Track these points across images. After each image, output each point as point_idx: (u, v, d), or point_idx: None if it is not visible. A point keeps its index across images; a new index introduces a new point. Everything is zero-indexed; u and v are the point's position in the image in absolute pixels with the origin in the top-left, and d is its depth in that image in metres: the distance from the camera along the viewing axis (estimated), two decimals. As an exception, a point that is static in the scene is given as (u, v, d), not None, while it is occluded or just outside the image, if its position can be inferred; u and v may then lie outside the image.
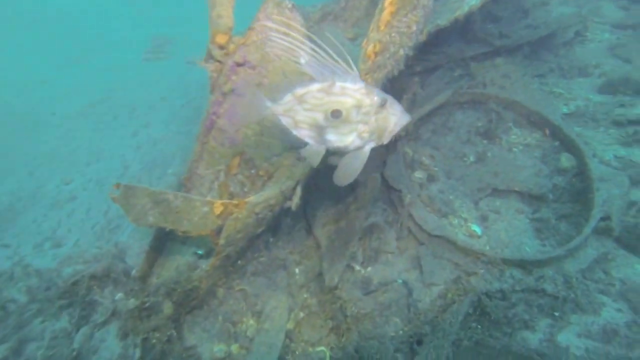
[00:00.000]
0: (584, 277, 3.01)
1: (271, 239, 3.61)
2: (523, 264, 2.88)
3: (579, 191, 3.39)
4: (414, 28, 2.51)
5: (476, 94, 4.02)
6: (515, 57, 4.56)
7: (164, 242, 3.24)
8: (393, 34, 2.50)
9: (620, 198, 3.13)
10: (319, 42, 1.81)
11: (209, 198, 2.66)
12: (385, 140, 2.00)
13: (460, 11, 3.11)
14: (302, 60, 1.86)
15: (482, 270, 2.85)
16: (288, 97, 1.90)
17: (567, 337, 2.86)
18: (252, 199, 2.69)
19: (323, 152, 2.00)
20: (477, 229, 3.20)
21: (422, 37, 2.96)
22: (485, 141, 3.82)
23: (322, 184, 3.62)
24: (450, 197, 3.38)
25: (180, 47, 10.94)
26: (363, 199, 3.21)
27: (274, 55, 2.62)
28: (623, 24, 5.37)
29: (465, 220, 3.24)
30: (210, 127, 2.98)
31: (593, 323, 2.90)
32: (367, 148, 2.01)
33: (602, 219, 3.09)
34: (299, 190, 2.81)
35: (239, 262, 3.44)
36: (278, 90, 2.68)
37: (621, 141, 3.82)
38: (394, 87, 3.04)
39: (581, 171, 3.40)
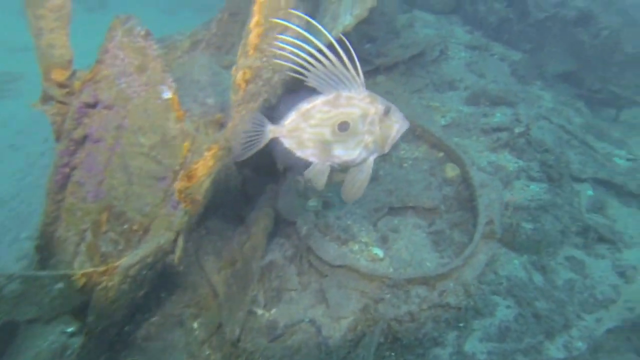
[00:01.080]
0: (480, 282, 3.13)
1: (163, 294, 3.17)
2: (426, 281, 2.88)
3: (465, 199, 3.58)
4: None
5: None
6: (394, 74, 4.79)
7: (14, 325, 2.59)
8: (264, 58, 2.33)
9: (498, 201, 3.36)
10: (322, 47, 1.69)
11: (64, 271, 2.16)
12: (387, 149, 1.94)
13: (335, 31, 3.10)
14: (308, 74, 1.74)
15: (388, 295, 2.78)
16: (292, 116, 1.79)
17: (472, 345, 2.92)
18: (123, 261, 2.26)
19: (328, 170, 1.89)
20: (378, 252, 3.15)
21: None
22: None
23: (212, 226, 3.31)
24: (348, 222, 3.30)
25: (33, 84, 9.33)
26: (257, 236, 2.97)
27: (133, 92, 2.26)
28: (472, 45, 6.03)
29: (366, 244, 3.19)
30: (62, 182, 2.48)
31: (491, 325, 3.02)
32: (372, 159, 1.93)
33: (487, 223, 3.28)
34: (180, 242, 2.45)
35: (126, 328, 2.94)
36: (143, 133, 2.35)
37: (490, 147, 4.19)
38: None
39: (465, 179, 3.60)
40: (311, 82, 1.75)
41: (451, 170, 3.62)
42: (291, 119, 1.78)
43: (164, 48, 3.46)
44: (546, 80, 5.99)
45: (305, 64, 1.71)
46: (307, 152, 1.84)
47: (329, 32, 2.99)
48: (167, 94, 2.23)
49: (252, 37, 2.22)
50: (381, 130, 1.84)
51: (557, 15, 6.04)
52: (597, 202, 4.20)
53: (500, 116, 4.56)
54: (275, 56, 1.84)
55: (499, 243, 3.44)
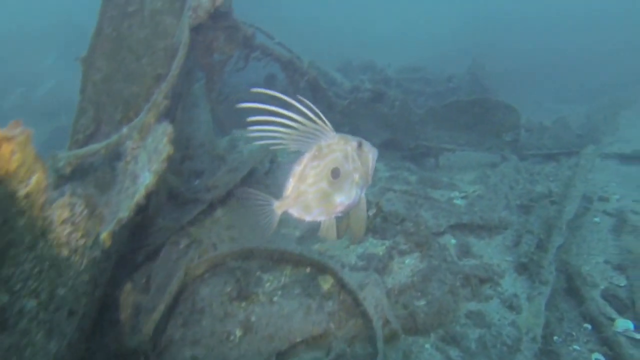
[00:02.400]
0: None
1: None
2: None
3: (351, 305, 3.26)
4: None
5: (210, 259, 3.57)
6: (231, 203, 4.47)
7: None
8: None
9: (383, 296, 3.13)
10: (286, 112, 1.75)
11: None
12: (370, 180, 2.00)
13: (139, 195, 2.65)
14: (286, 142, 1.82)
15: None
16: (290, 183, 1.84)
17: None
18: None
19: (334, 221, 1.96)
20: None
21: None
22: (243, 304, 3.32)
23: None
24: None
25: None
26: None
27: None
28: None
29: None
30: None
31: None
32: (364, 196, 2.01)
33: (383, 325, 2.97)
34: None
35: None
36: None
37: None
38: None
39: (341, 286, 3.30)
40: (293, 147, 1.83)
41: (325, 283, 3.31)
42: (291, 186, 1.82)
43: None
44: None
45: (280, 134, 1.79)
46: (314, 214, 1.89)
47: (132, 197, 2.62)
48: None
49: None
50: (362, 164, 1.92)
51: (356, 98, 6.81)
52: (461, 246, 4.37)
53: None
54: (255, 138, 1.84)
55: (403, 336, 3.16)
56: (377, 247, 3.91)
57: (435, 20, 25.31)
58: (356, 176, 1.92)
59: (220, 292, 3.41)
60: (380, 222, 4.17)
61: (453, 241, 4.42)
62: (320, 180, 1.85)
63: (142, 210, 3.27)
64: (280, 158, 5.88)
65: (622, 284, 3.83)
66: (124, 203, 2.81)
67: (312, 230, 2.08)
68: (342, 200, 1.91)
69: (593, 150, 5.87)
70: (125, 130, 3.07)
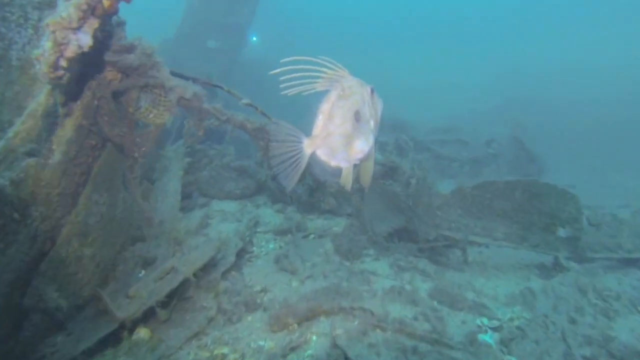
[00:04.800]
0: None
1: None
2: None
3: None
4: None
5: None
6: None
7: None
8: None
9: None
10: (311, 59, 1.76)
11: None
12: (377, 132, 1.97)
13: None
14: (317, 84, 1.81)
15: None
16: (320, 121, 1.80)
17: None
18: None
19: (352, 169, 1.93)
20: None
21: None
22: None
23: None
24: None
25: None
26: None
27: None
28: (282, 229, 4.97)
29: None
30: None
31: None
32: (374, 145, 1.96)
33: None
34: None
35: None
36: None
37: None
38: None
39: None
40: (321, 87, 1.81)
41: None
42: (320, 125, 1.80)
43: None
44: (379, 245, 5.04)
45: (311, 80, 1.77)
46: (338, 158, 1.86)
47: None
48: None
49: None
50: (375, 110, 1.92)
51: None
52: None
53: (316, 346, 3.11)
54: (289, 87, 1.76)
55: None
56: None
57: (463, 73, 23.29)
58: (372, 123, 1.92)
59: None
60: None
61: None
62: (346, 122, 1.82)
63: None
64: (255, 248, 4.58)
65: None
66: None
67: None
68: (361, 146, 1.88)
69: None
70: None
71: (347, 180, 1.93)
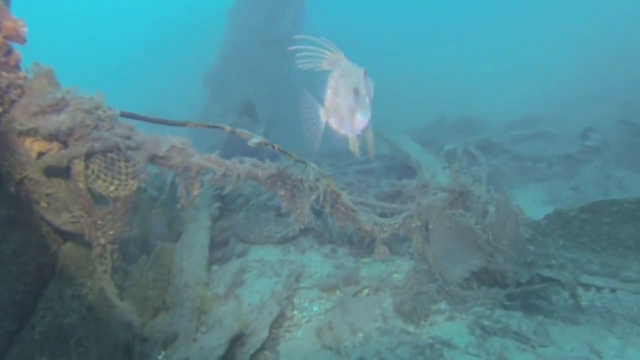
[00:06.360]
0: None
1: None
2: None
3: None
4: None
5: None
6: None
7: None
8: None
9: None
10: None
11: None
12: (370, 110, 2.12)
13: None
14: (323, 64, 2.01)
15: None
16: (328, 94, 2.02)
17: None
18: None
19: (357, 139, 2.14)
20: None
21: None
22: None
23: None
24: None
25: None
26: None
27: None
28: (329, 285, 4.07)
29: None
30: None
31: None
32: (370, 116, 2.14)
33: None
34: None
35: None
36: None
37: None
38: None
39: None
40: (326, 66, 2.00)
41: None
42: (330, 97, 2.02)
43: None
44: (452, 296, 3.92)
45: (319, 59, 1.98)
46: (346, 127, 2.08)
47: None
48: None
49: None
50: (368, 90, 2.08)
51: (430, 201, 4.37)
52: None
53: None
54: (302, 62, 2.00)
55: None
56: None
57: (544, 57, 19.68)
58: (367, 99, 2.07)
59: None
60: None
61: None
62: (348, 96, 2.02)
63: None
64: (296, 319, 3.72)
65: None
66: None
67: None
68: (363, 118, 2.07)
69: None
70: None
71: (354, 147, 2.16)
